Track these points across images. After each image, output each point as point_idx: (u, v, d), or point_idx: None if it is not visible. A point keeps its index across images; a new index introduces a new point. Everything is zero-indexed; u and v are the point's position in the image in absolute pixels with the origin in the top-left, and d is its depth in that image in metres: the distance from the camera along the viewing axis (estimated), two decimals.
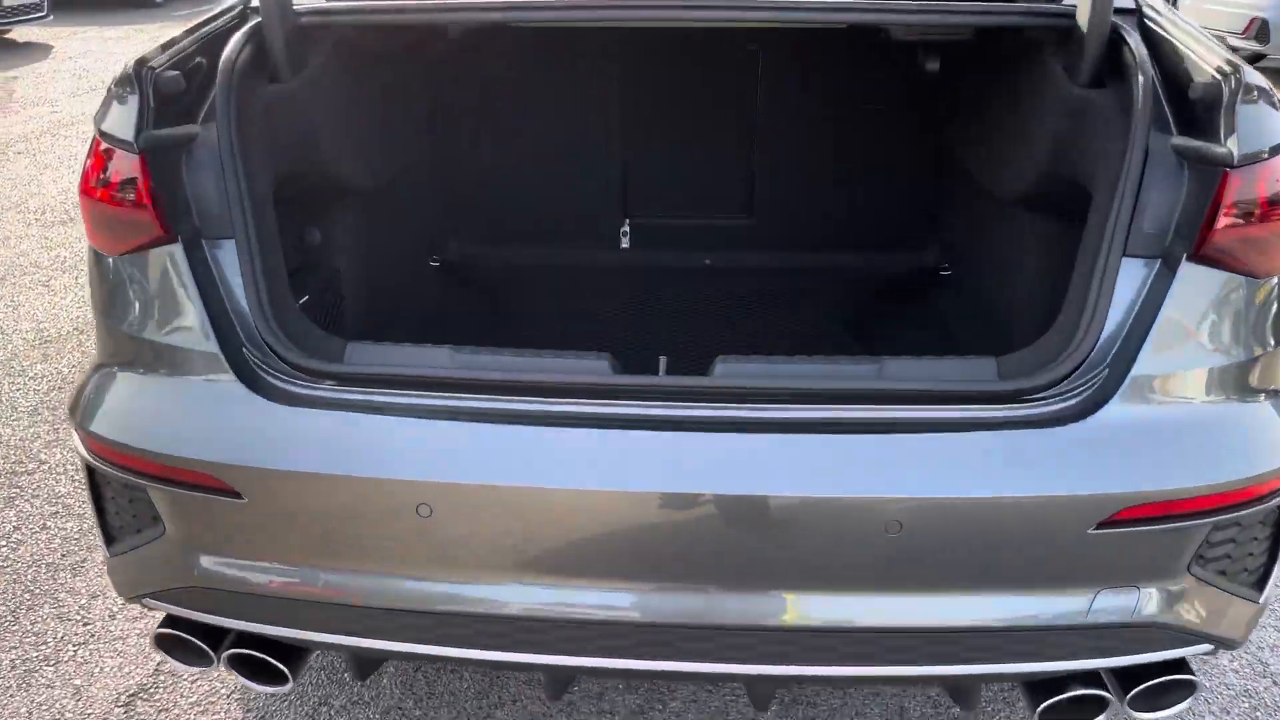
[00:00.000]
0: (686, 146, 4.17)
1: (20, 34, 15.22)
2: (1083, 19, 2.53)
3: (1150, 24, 2.60)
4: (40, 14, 14.43)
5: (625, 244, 4.45)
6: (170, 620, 2.61)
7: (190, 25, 2.77)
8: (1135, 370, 2.26)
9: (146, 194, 2.41)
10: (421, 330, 3.72)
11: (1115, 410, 2.26)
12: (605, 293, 4.06)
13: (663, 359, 2.51)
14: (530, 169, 4.25)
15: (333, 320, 3.30)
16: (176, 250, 2.45)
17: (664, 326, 3.68)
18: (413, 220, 3.95)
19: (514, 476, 2.25)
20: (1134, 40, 2.46)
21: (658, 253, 4.42)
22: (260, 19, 2.65)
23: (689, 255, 4.41)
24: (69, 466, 4.37)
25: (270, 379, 2.42)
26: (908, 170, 4.13)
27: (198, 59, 2.66)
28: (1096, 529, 2.21)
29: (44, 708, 3.17)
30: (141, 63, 2.44)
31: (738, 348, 3.44)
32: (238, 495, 2.34)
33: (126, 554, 2.59)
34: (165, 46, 2.63)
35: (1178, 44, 2.43)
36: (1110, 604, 2.31)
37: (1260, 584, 2.39)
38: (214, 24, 2.77)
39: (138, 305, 2.48)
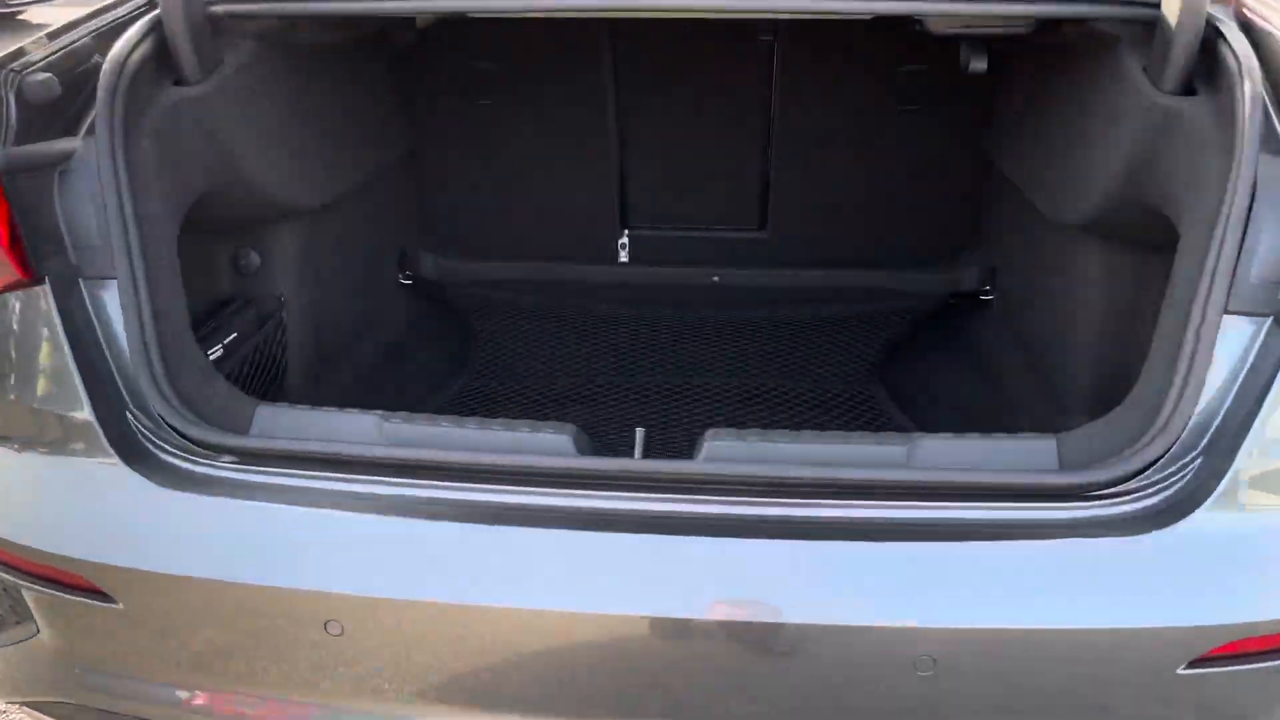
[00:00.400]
0: (692, 150, 3.67)
1: (35, 14, 14.89)
2: (1170, 10, 2.02)
3: (1253, 16, 2.09)
4: None
5: (623, 258, 3.96)
6: None
7: (85, 14, 2.31)
8: (1238, 462, 1.78)
9: (3, 225, 1.96)
10: (383, 364, 3.26)
11: (1212, 513, 1.77)
12: (596, 317, 3.58)
13: (639, 433, 2.04)
14: (515, 175, 3.77)
15: (272, 362, 2.85)
16: (44, 294, 2.00)
17: (659, 362, 3.20)
18: (377, 234, 3.49)
19: (445, 590, 1.80)
20: (1234, 36, 1.94)
21: (659, 269, 3.94)
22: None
23: (694, 272, 3.92)
24: None
25: (157, 454, 1.98)
26: (944, 181, 3.61)
27: (89, 57, 2.20)
28: (1187, 669, 1.73)
29: None
30: (2, 64, 1.99)
31: (741, 399, 2.95)
32: (110, 599, 1.91)
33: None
34: (52, 36, 2.19)
35: None
36: None
37: None
38: (112, 13, 2.32)
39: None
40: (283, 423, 2.08)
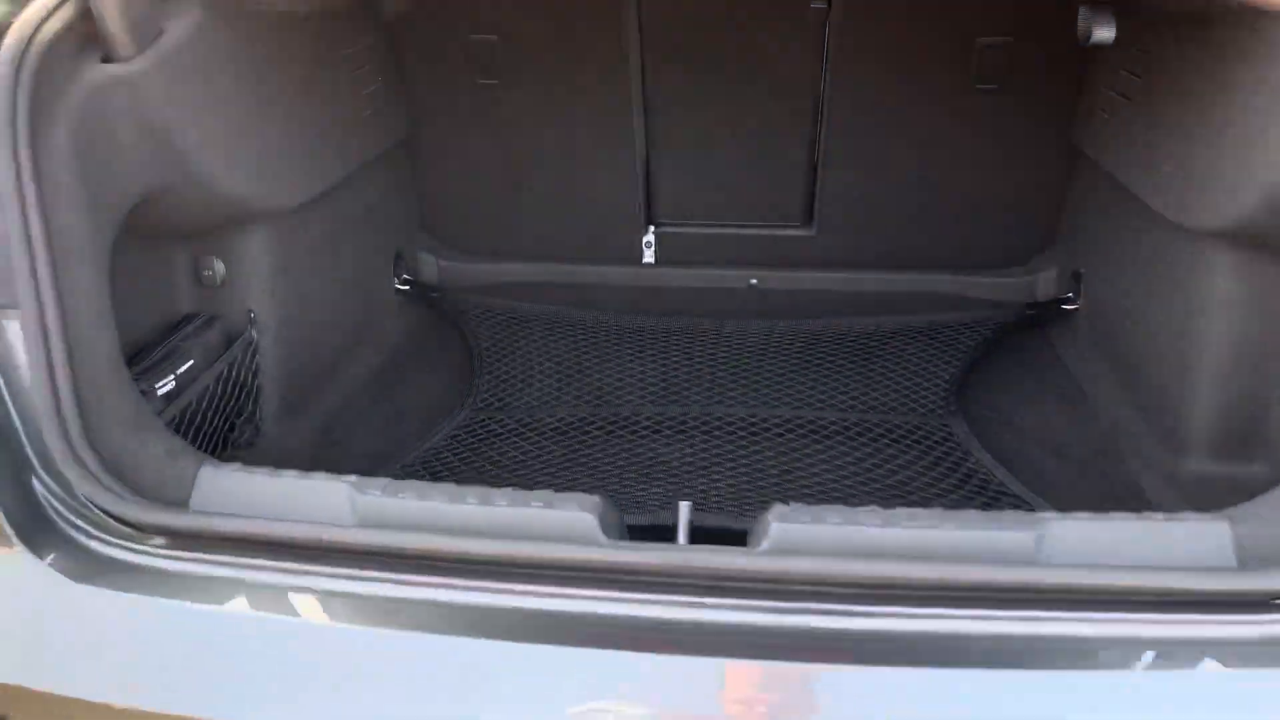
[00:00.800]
0: (729, 134, 3.20)
1: None
2: None
3: None
4: None
5: (648, 258, 3.51)
6: None
7: None
8: None
9: None
10: (373, 389, 2.82)
11: None
12: (617, 329, 3.12)
13: (683, 509, 1.59)
14: (525, 164, 3.32)
15: (240, 391, 2.41)
16: None
17: (694, 386, 2.74)
18: (368, 234, 3.05)
19: None
20: None
21: (690, 270, 3.48)
22: None
23: (729, 274, 3.46)
24: None
25: (68, 534, 1.55)
26: (1023, 173, 3.13)
27: None
28: None
29: None
30: None
31: (794, 434, 2.49)
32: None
33: None
34: None
35: None
36: None
37: None
38: None
39: None
40: (231, 490, 1.64)
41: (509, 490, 1.60)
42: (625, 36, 2.98)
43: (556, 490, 1.60)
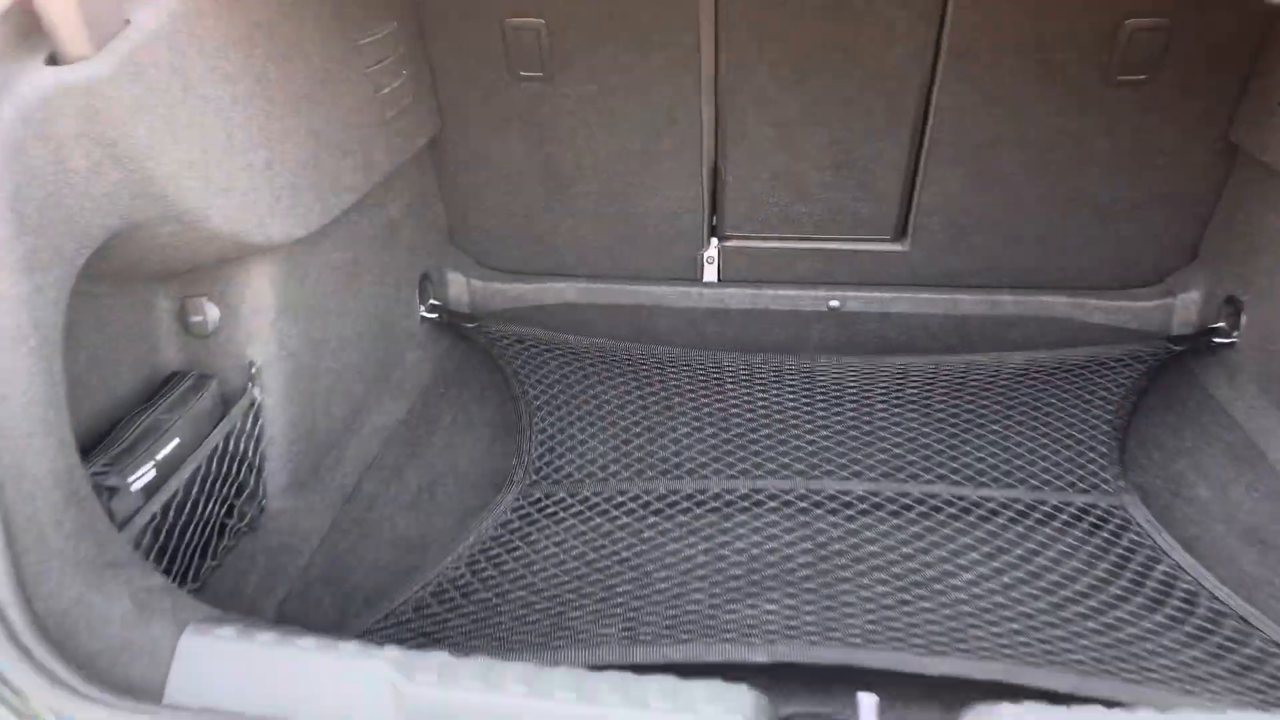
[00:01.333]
0: (813, 132, 2.71)
1: None
2: None
3: None
4: None
5: (710, 276, 3.03)
6: None
7: None
8: None
9: None
10: (400, 448, 2.35)
11: None
12: (681, 367, 2.63)
13: (866, 707, 1.12)
14: (573, 168, 2.83)
15: (239, 465, 1.94)
16: None
17: (789, 451, 2.26)
18: (392, 254, 2.57)
19: None
20: None
21: (759, 290, 3.00)
22: None
23: (804, 294, 2.97)
24: None
25: None
26: (1166, 175, 2.64)
27: None
28: None
29: None
30: None
31: (917, 516, 2.00)
32: None
33: None
34: None
35: None
36: None
37: None
38: None
39: None
40: (223, 669, 1.18)
41: (615, 677, 1.13)
42: (700, 19, 2.48)
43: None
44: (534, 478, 2.12)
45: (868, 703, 1.14)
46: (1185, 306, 2.79)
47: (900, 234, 2.92)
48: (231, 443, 1.95)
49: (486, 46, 2.60)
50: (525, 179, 2.87)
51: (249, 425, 2.00)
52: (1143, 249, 2.81)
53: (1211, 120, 2.52)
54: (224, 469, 1.92)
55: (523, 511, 2.02)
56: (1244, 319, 2.52)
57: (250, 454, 2.01)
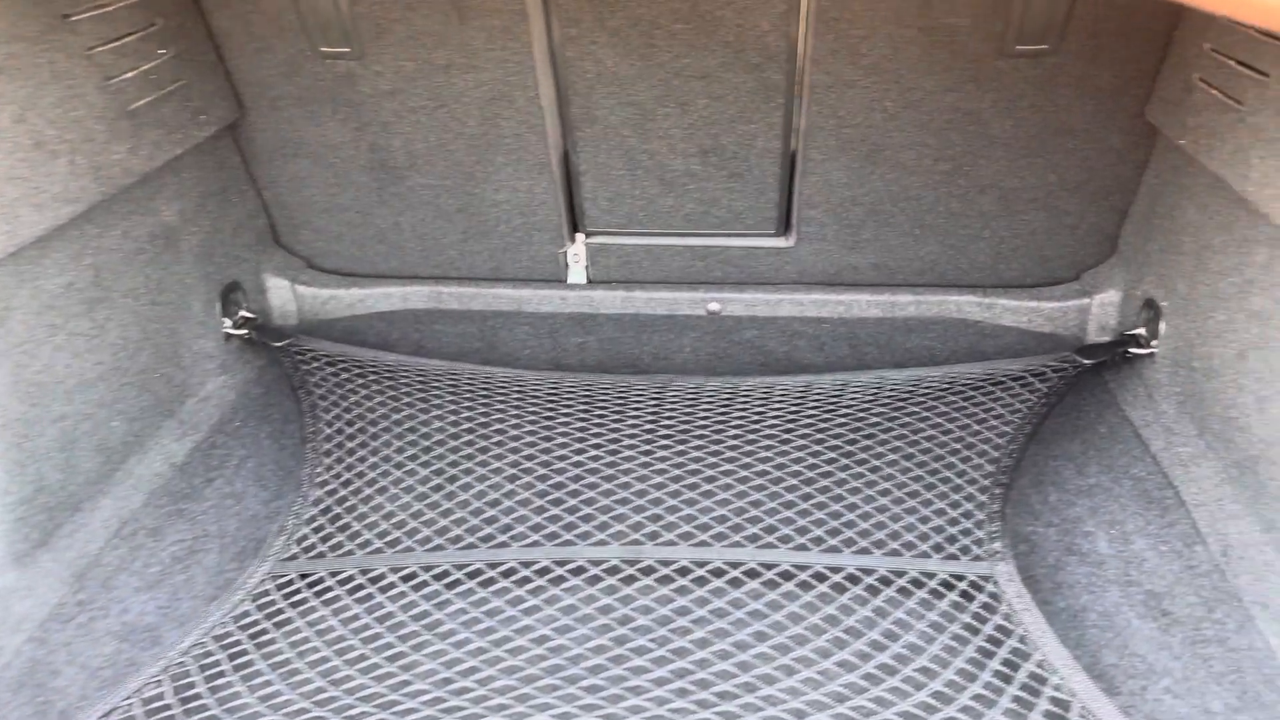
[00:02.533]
0: (675, 116, 2.32)
1: None
2: None
3: None
4: None
5: (578, 277, 2.66)
6: None
7: None
8: None
9: None
10: (159, 507, 1.98)
11: None
12: (499, 385, 2.26)
13: None
14: (402, 156, 2.44)
15: None
16: None
17: (613, 506, 1.88)
18: (172, 265, 2.18)
19: None
20: None
21: (630, 293, 2.63)
22: None
23: (682, 296, 2.61)
24: None
25: None
26: (1075, 160, 2.27)
27: None
28: None
29: None
30: None
31: (786, 592, 1.62)
32: None
33: None
34: None
35: None
36: None
37: None
38: None
39: None
40: None
41: None
42: None
43: None
44: (294, 550, 1.76)
45: None
46: (1103, 309, 2.44)
47: (784, 228, 2.55)
48: None
49: (279, 18, 2.20)
50: (351, 169, 2.49)
51: None
52: (1056, 242, 2.45)
53: (1125, 97, 2.15)
54: None
55: (266, 600, 1.65)
56: (1163, 327, 2.17)
57: None
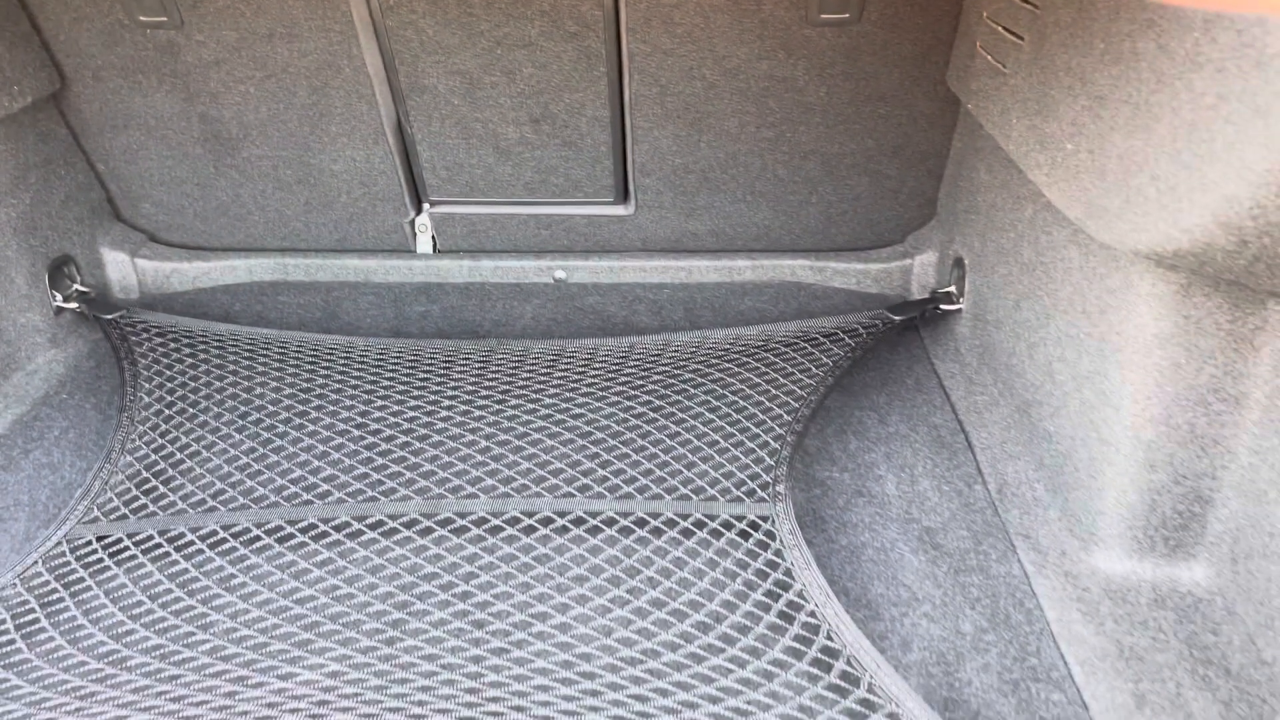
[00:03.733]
0: (504, 84, 2.37)
1: None
2: None
3: None
4: None
5: (425, 247, 2.70)
6: None
7: None
8: None
9: None
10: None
11: None
12: (326, 352, 2.29)
13: None
14: (235, 127, 2.44)
15: None
16: None
17: (426, 468, 1.93)
18: (7, 241, 2.17)
19: None
20: None
21: (477, 262, 2.68)
22: None
23: (528, 264, 2.67)
24: None
25: None
26: (887, 125, 2.37)
27: None
28: None
29: None
30: None
31: (589, 529, 1.69)
32: None
33: None
34: None
35: None
36: None
37: None
38: None
39: None
40: None
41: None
42: None
43: None
44: (96, 514, 1.78)
45: None
46: (923, 269, 2.55)
47: (622, 196, 2.62)
48: None
49: None
50: (184, 141, 2.49)
51: None
52: (882, 206, 2.56)
53: (927, 64, 2.25)
54: None
55: (59, 562, 1.67)
56: (967, 284, 2.29)
57: None
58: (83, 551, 1.68)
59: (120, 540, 1.70)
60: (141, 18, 2.23)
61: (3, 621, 1.55)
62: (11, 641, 1.52)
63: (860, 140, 2.41)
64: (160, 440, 1.97)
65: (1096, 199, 1.45)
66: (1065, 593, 1.64)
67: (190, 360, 2.24)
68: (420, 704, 1.39)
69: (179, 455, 1.94)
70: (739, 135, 2.42)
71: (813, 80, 2.30)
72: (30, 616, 1.57)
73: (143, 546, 1.69)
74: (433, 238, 2.72)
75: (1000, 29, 1.89)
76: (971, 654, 1.54)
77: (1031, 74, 1.72)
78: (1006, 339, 2.01)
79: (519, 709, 1.38)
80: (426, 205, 2.66)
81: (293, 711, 1.38)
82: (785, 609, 1.55)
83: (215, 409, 2.07)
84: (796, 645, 1.48)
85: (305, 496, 1.81)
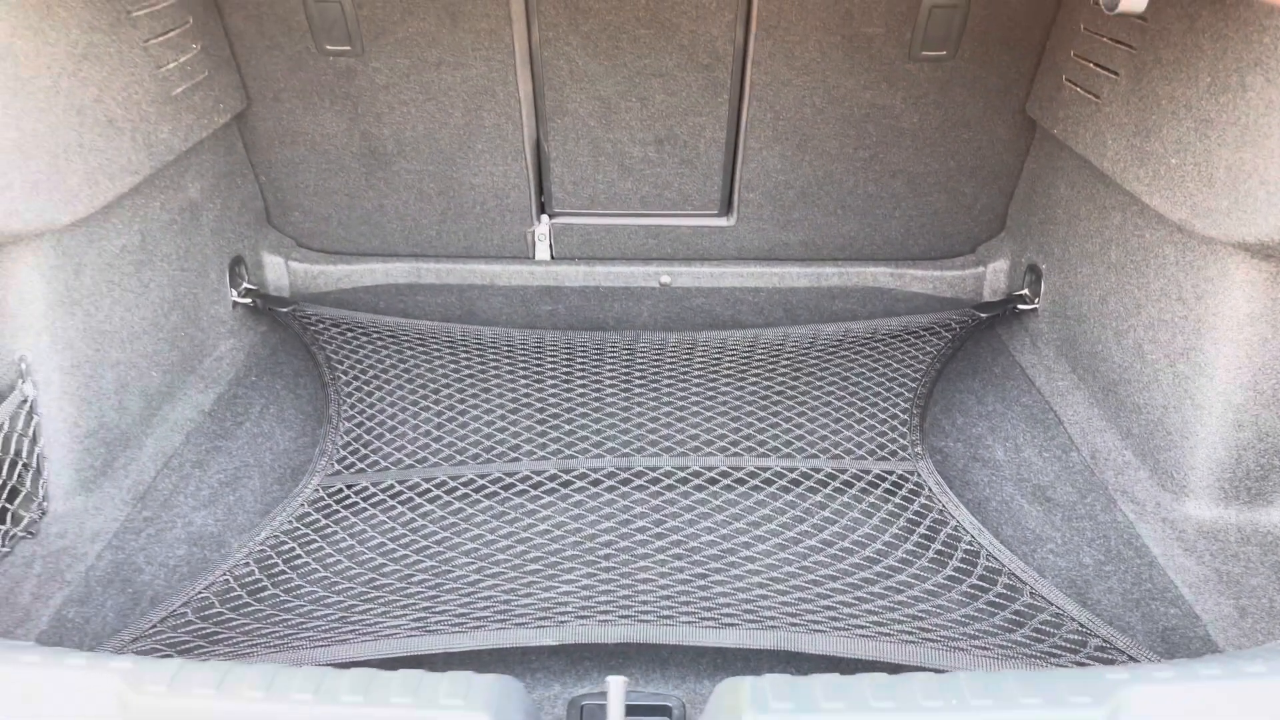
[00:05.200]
0: (634, 108, 2.70)
1: None
2: None
3: None
4: None
5: (543, 254, 3.00)
6: None
7: None
8: None
9: None
10: (197, 444, 2.24)
11: None
12: (502, 347, 2.58)
13: (615, 689, 1.12)
14: (391, 144, 2.74)
15: (8, 464, 1.82)
16: None
17: (603, 431, 2.23)
18: (194, 238, 2.45)
19: None
20: None
21: (591, 267, 2.98)
22: None
23: (636, 270, 2.98)
24: None
25: None
26: (972, 149, 2.72)
27: None
28: None
29: None
30: None
31: (725, 488, 1.99)
32: None
33: None
34: None
35: None
36: None
37: None
38: None
39: None
40: None
41: (358, 675, 1.10)
42: None
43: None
44: (336, 468, 2.05)
45: (616, 685, 1.14)
46: (995, 275, 2.90)
47: (726, 209, 2.95)
48: (0, 444, 1.82)
49: (289, 19, 2.49)
50: (343, 156, 2.78)
51: (20, 424, 1.87)
52: (956, 220, 2.91)
53: (1009, 95, 2.61)
54: None
55: (321, 504, 1.94)
56: (1043, 286, 2.64)
57: (25, 453, 1.89)
58: (339, 496, 1.97)
59: (366, 487, 1.99)
60: (328, 46, 2.53)
61: (292, 548, 1.83)
62: (304, 561, 1.81)
63: (943, 161, 2.76)
64: (369, 409, 2.25)
65: (1202, 202, 1.80)
66: (1166, 534, 1.96)
67: (369, 346, 2.52)
68: (638, 615, 1.67)
69: (389, 422, 2.23)
70: (838, 155, 2.75)
71: (908, 108, 2.65)
72: (313, 543, 1.86)
73: (388, 492, 1.98)
74: (550, 245, 3.02)
75: (1091, 65, 2.25)
76: (1096, 580, 1.86)
77: (1129, 102, 2.07)
78: (1091, 330, 2.35)
79: (727, 621, 1.66)
80: (546, 216, 2.96)
81: (560, 612, 1.66)
82: (945, 543, 1.86)
83: (407, 385, 2.36)
84: (959, 570, 1.79)
85: (512, 455, 2.10)
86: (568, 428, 2.20)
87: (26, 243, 1.82)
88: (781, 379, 2.41)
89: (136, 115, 2.08)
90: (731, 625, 1.62)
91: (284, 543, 1.85)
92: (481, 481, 2.01)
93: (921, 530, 1.90)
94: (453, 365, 2.45)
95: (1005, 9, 2.44)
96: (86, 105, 1.90)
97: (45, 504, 1.95)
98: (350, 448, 2.12)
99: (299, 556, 1.82)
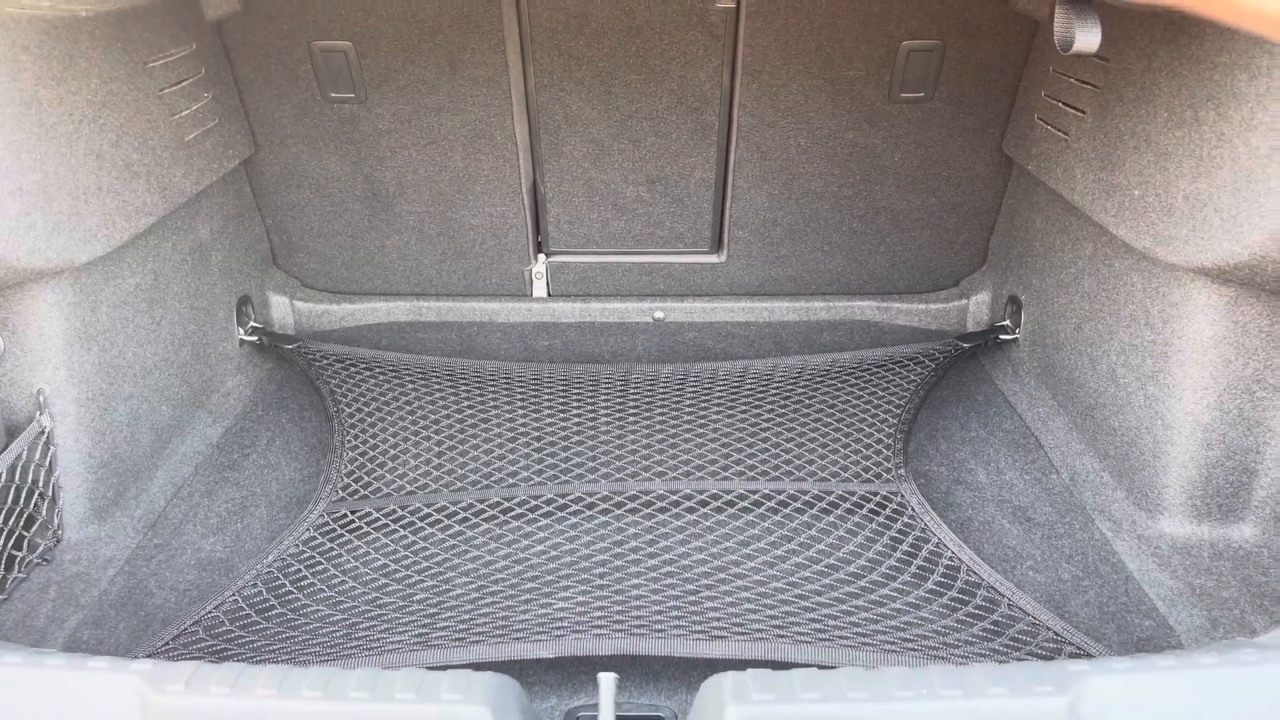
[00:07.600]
0: (626, 150, 2.81)
1: None
2: None
3: None
4: None
5: (540, 291, 3.09)
6: None
7: None
8: None
9: None
10: (206, 474, 2.32)
11: None
12: (500, 381, 2.67)
13: (605, 686, 1.20)
14: (392, 187, 2.85)
15: (26, 494, 1.90)
16: None
17: (598, 457, 2.31)
18: (203, 277, 2.54)
19: None
20: None
21: (586, 304, 3.08)
22: None
23: (630, 306, 3.07)
24: None
25: None
26: (952, 186, 2.83)
27: None
28: None
29: None
30: None
31: (714, 511, 2.07)
32: None
33: None
34: None
35: None
36: None
37: None
38: None
39: None
40: None
41: (365, 673, 1.17)
42: (505, 41, 2.55)
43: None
44: (341, 494, 2.13)
45: (606, 681, 1.21)
46: (977, 307, 2.99)
47: (716, 246, 3.05)
48: (17, 474, 1.90)
49: (295, 68, 2.61)
50: (347, 199, 2.89)
51: (37, 455, 1.95)
52: (939, 255, 3.01)
53: (986, 134, 2.73)
54: (10, 500, 1.87)
55: (327, 528, 2.02)
56: (1024, 316, 2.73)
57: (41, 484, 1.97)
58: (344, 521, 2.05)
59: (370, 513, 2.06)
60: (332, 94, 2.64)
61: (299, 570, 1.90)
62: (311, 582, 1.88)
63: (925, 198, 2.87)
64: (372, 440, 2.33)
65: (1164, 231, 1.90)
66: (1141, 550, 2.03)
67: (372, 380, 2.61)
68: (631, 629, 1.74)
69: (392, 452, 2.31)
70: (823, 194, 2.86)
71: (889, 147, 2.76)
72: (319, 565, 1.93)
73: (391, 517, 2.05)
74: (547, 283, 3.12)
75: (1060, 104, 2.36)
76: (1073, 594, 1.93)
77: (1095, 138, 2.18)
78: (1068, 357, 2.44)
79: (717, 634, 1.73)
80: (543, 255, 3.07)
81: (556, 627, 1.73)
82: (926, 560, 1.94)
83: (408, 417, 2.44)
84: (940, 584, 1.86)
85: (510, 481, 2.18)
86: (564, 455, 2.28)
87: (46, 280, 1.91)
88: (770, 407, 2.49)
89: (151, 160, 2.18)
90: (721, 638, 1.68)
91: (291, 565, 1.92)
92: (481, 506, 2.09)
93: (904, 548, 1.97)
94: (453, 397, 2.54)
95: (979, 53, 2.56)
96: (105, 150, 2.00)
97: (60, 532, 2.03)
98: (354, 475, 2.20)
99: (305, 577, 1.89)
